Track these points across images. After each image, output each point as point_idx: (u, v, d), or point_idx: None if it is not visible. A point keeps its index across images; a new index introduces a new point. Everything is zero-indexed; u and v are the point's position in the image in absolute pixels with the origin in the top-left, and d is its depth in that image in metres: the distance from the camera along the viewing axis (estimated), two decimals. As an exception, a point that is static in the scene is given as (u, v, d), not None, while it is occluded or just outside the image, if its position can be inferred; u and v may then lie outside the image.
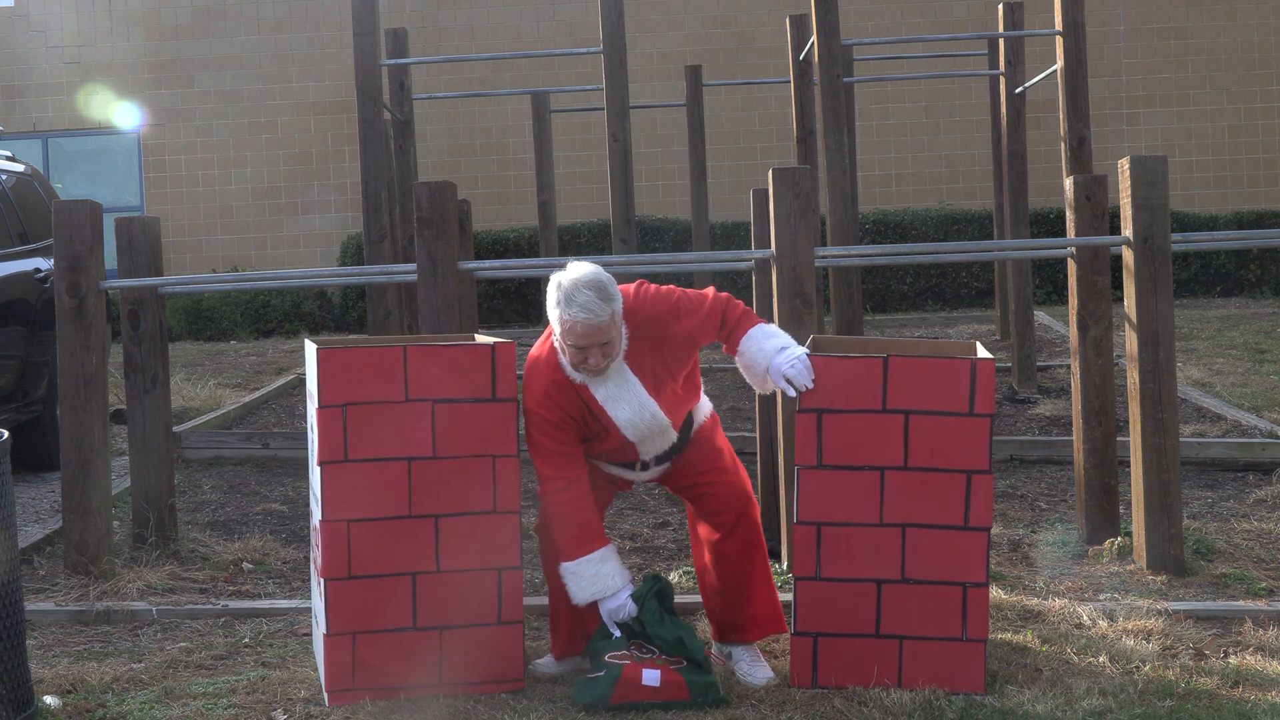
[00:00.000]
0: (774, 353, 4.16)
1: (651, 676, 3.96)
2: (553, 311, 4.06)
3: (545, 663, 4.41)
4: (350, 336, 13.70)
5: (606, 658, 4.06)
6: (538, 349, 4.25)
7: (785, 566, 5.42)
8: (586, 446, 4.26)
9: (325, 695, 4.11)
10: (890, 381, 4.12)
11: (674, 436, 4.30)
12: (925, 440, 4.11)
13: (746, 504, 4.34)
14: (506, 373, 4.17)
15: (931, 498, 4.11)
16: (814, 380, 4.12)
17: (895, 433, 4.12)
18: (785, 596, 5.02)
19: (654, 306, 4.17)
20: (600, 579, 4.16)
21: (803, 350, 4.18)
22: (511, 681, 4.18)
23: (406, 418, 4.13)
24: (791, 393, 4.15)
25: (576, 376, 4.14)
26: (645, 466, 4.35)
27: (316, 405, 4.14)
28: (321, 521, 4.12)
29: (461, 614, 4.16)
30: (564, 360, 4.13)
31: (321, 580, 4.15)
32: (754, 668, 4.27)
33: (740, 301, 4.30)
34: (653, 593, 4.16)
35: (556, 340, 4.12)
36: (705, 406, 4.48)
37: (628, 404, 4.15)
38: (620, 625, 4.16)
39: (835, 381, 4.13)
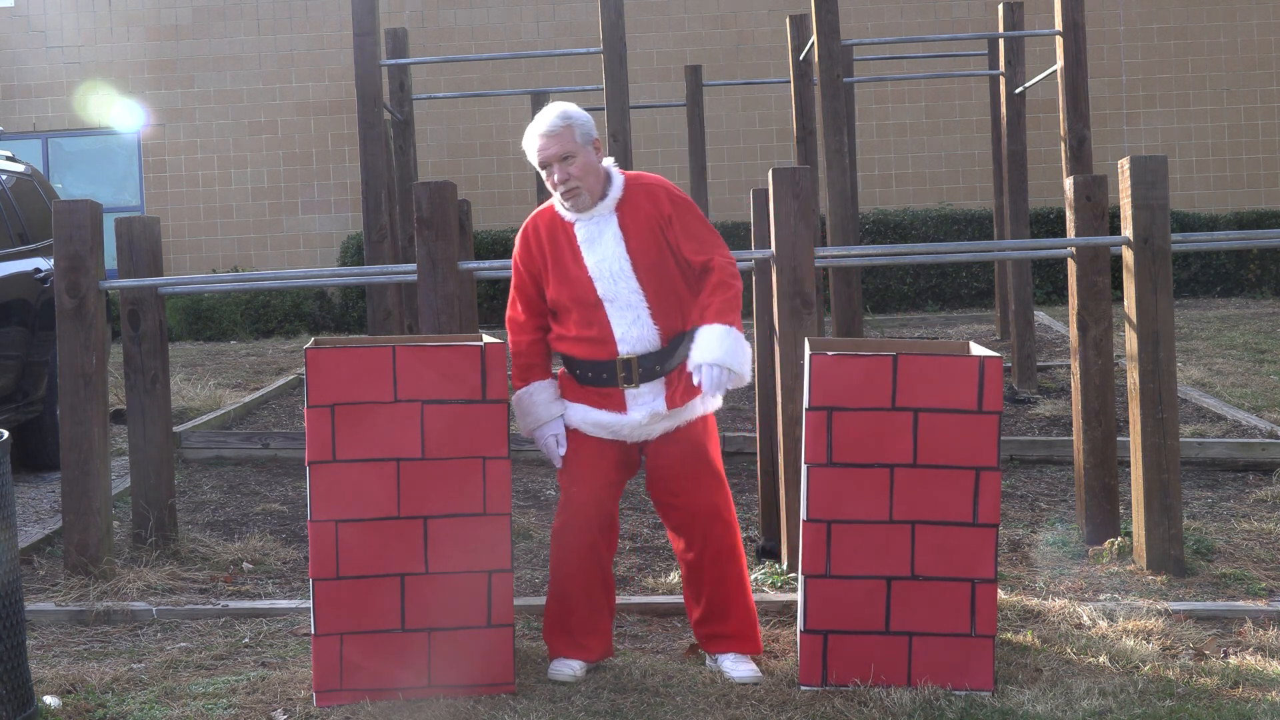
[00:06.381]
0: (708, 351, 4.14)
1: None
2: None
3: (569, 667, 4.31)
4: (351, 336, 13.70)
5: None
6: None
7: (785, 566, 5.41)
8: (561, 315, 4.33)
9: (314, 695, 4.12)
10: (899, 379, 4.14)
11: (657, 341, 4.25)
12: (934, 437, 4.12)
13: (713, 520, 4.30)
14: (497, 374, 4.16)
15: (940, 494, 4.13)
16: (719, 392, 4.21)
17: (904, 430, 4.13)
18: (788, 596, 5.03)
19: (661, 181, 4.35)
20: (535, 408, 4.35)
21: (724, 369, 4.13)
22: (501, 685, 4.16)
23: (395, 418, 4.12)
24: (699, 383, 4.15)
25: (566, 214, 4.30)
26: (630, 379, 4.23)
27: (305, 405, 4.15)
28: (309, 521, 4.12)
29: (451, 616, 4.15)
30: (556, 200, 4.32)
31: (309, 580, 4.15)
32: (738, 664, 4.28)
33: (739, 285, 4.27)
34: None
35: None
36: (711, 403, 4.40)
37: (602, 249, 4.26)
38: None
39: (845, 379, 4.15)
